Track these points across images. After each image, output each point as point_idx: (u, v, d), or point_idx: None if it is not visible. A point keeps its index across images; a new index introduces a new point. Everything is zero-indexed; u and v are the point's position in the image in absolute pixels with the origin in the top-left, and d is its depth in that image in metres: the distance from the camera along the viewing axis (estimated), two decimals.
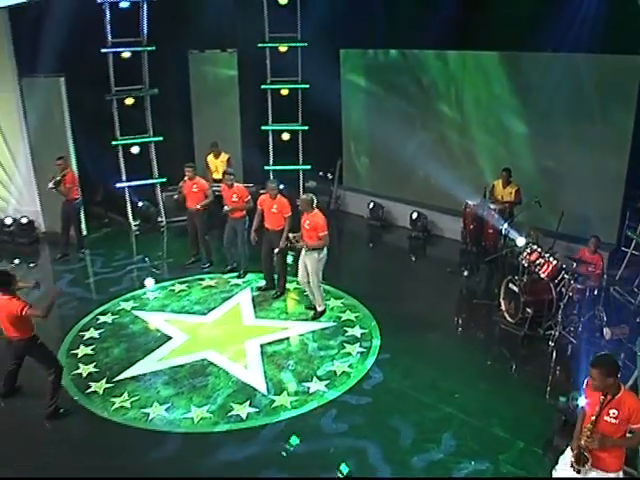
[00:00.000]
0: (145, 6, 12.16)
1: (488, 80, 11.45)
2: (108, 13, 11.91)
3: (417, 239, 12.35)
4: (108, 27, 12.01)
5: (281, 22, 13.00)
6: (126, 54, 12.32)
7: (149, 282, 10.43)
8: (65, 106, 11.76)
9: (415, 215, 12.31)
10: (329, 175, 14.20)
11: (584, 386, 4.86)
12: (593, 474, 4.73)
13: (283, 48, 13.20)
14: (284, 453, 6.42)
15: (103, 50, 12.08)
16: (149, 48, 12.44)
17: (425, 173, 12.43)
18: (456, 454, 6.37)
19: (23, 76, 11.72)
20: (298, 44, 13.14)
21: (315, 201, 8.93)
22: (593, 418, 4.60)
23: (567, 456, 4.89)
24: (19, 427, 6.85)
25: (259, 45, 13.18)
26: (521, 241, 9.23)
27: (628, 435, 4.71)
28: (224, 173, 10.61)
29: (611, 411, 4.60)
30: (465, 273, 10.67)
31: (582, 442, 4.65)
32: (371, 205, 13.06)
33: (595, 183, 10.16)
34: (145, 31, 12.29)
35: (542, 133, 10.82)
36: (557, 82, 10.40)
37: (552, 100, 10.48)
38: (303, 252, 8.95)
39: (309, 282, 8.97)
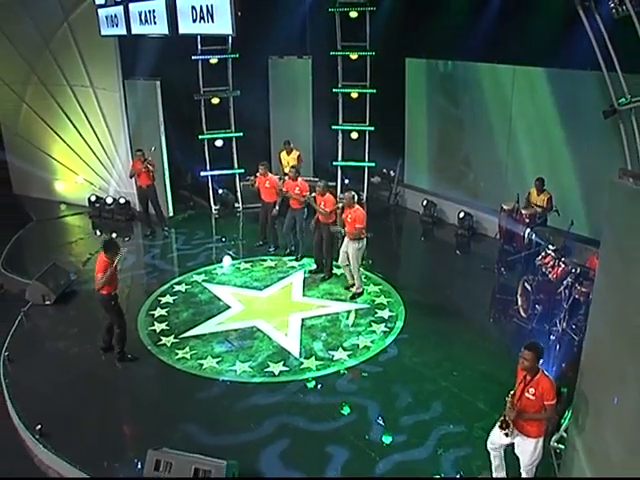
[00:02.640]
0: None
1: (534, 93, 12.36)
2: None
3: (462, 236, 13.53)
4: (198, 37, 13.82)
5: (353, 32, 14.42)
6: (214, 60, 14.15)
7: (227, 261, 12.17)
8: (159, 105, 13.69)
9: (462, 214, 13.50)
10: (391, 172, 15.56)
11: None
12: (517, 438, 6.06)
13: (354, 56, 14.61)
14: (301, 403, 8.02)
15: (194, 57, 13.97)
16: (232, 55, 14.22)
17: (474, 176, 13.56)
18: (440, 418, 7.67)
19: (126, 78, 13.80)
20: (367, 52, 14.49)
21: (356, 198, 10.38)
22: (512, 393, 5.89)
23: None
24: (97, 370, 8.79)
25: (332, 53, 14.66)
26: (546, 242, 10.34)
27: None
28: (291, 167, 12.21)
29: (530, 389, 5.85)
30: (496, 269, 11.74)
31: (505, 412, 5.95)
32: (425, 202, 14.31)
33: None
34: (230, 40, 14.02)
35: (582, 146, 11.55)
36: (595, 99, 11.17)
37: (588, 115, 11.28)
38: (346, 241, 10.45)
39: (348, 265, 10.48)
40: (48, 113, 14.68)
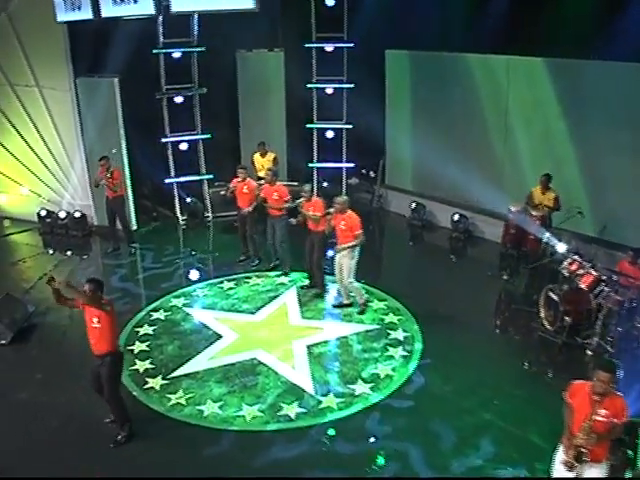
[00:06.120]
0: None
1: (533, 86, 11.49)
2: (160, 16, 12.24)
3: (458, 240, 12.56)
4: (160, 28, 12.35)
5: (328, 22, 13.21)
6: (177, 54, 12.68)
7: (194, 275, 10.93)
8: (119, 105, 12.17)
9: (457, 217, 12.52)
10: (371, 173, 14.47)
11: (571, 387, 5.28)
12: (587, 467, 5.17)
13: (329, 48, 13.43)
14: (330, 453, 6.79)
15: (155, 51, 12.47)
16: (199, 49, 12.79)
17: (467, 175, 12.59)
18: (494, 460, 6.62)
19: (78, 76, 12.17)
20: (344, 44, 13.32)
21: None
22: (589, 418, 5.03)
23: (560, 455, 5.33)
24: (74, 425, 7.21)
25: (306, 45, 13.43)
26: (562, 247, 9.43)
27: None
28: (267, 170, 10.92)
29: (602, 411, 5.04)
30: (505, 277, 10.87)
31: (579, 441, 5.07)
32: (413, 205, 13.28)
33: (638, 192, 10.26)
34: (195, 32, 12.59)
35: (587, 141, 10.84)
36: (605, 91, 10.41)
37: (598, 108, 10.51)
38: (337, 254, 9.37)
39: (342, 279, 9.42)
40: None
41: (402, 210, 13.72)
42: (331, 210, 9.35)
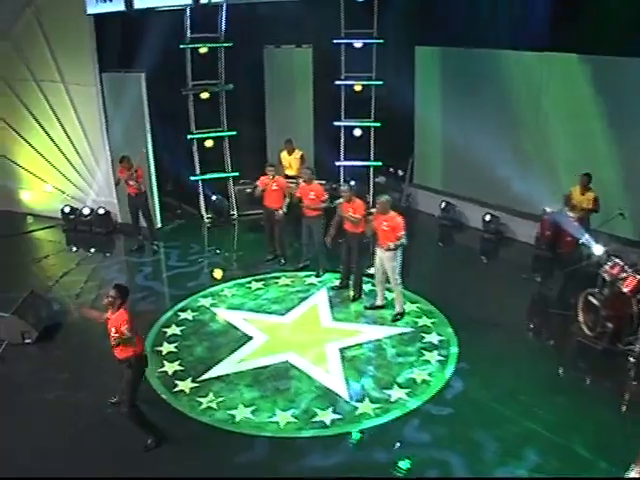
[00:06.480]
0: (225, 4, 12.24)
1: (571, 83, 11.15)
2: (188, 10, 12.03)
3: (489, 241, 12.24)
4: (187, 23, 12.13)
5: (357, 18, 12.92)
6: (204, 49, 12.44)
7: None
8: (145, 101, 11.93)
9: (488, 217, 12.20)
10: (399, 172, 14.18)
11: None
12: None
13: (358, 44, 13.13)
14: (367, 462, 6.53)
15: (182, 46, 12.24)
16: (226, 44, 12.55)
17: (500, 175, 12.28)
18: (538, 471, 6.32)
19: (104, 71, 11.96)
20: (374, 40, 13.03)
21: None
22: None
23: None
24: (102, 429, 6.99)
25: (334, 41, 13.14)
26: (599, 249, 9.12)
27: None
28: (304, 169, 10.59)
29: None
30: (538, 279, 10.56)
31: None
32: (443, 204, 12.98)
33: None
34: (223, 27, 12.36)
35: (627, 140, 10.48)
36: None
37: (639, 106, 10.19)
38: (380, 252, 9.00)
39: (382, 281, 9.08)
40: (10, 113, 12.80)
41: (431, 209, 13.42)
42: (372, 211, 9.04)
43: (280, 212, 10.57)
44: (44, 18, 11.88)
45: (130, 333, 6.26)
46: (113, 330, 6.33)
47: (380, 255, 9.05)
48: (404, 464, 6.46)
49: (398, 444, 6.73)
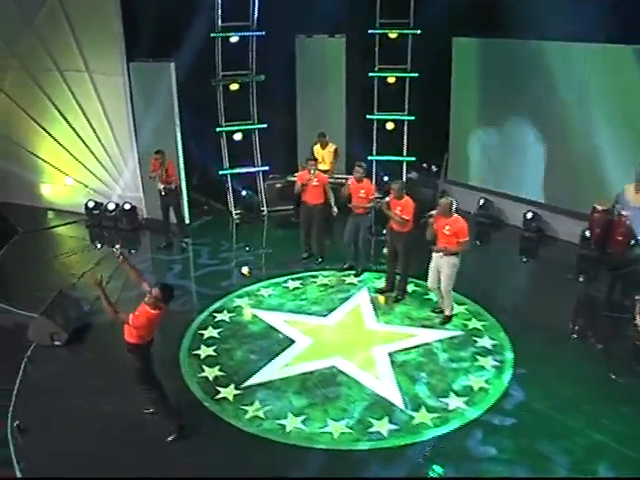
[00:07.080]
0: None
1: (617, 75, 10.62)
2: None
3: (529, 240, 11.72)
4: (218, 11, 11.64)
5: (393, 8, 12.43)
6: (234, 38, 11.95)
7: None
8: (174, 92, 11.45)
9: (530, 214, 11.69)
10: (433, 167, 13.70)
11: None
12: None
13: (393, 34, 12.63)
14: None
15: (213, 34, 11.75)
16: (258, 33, 12.06)
17: (541, 171, 11.80)
18: None
19: (131, 60, 11.49)
20: (410, 31, 12.53)
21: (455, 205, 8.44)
22: None
23: None
24: (142, 438, 6.63)
25: (369, 31, 12.64)
26: None
27: None
28: (357, 165, 10.10)
29: None
30: (581, 279, 10.10)
31: None
32: (481, 201, 12.46)
33: None
34: (255, 15, 11.87)
35: None
36: None
37: None
38: (437, 257, 8.49)
39: (439, 287, 8.55)
40: (32, 104, 12.26)
41: (467, 207, 12.80)
42: (433, 212, 8.52)
43: (334, 210, 10.14)
44: (68, 5, 11.38)
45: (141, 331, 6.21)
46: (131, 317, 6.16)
47: (438, 260, 8.52)
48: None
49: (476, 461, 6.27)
